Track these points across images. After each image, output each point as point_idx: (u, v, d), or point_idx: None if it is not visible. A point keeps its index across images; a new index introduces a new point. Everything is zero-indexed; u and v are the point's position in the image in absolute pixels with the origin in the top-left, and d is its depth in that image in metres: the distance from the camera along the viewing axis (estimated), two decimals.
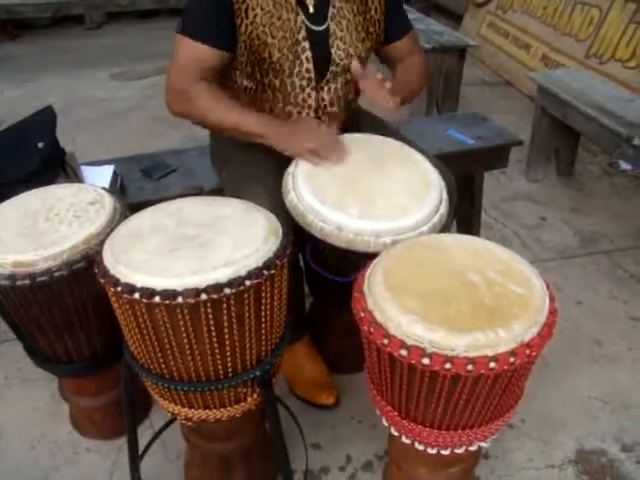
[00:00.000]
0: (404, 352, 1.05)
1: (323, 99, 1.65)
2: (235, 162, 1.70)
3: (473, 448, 1.27)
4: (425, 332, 1.04)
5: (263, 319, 1.19)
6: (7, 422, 1.83)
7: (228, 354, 1.17)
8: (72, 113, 3.88)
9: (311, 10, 1.57)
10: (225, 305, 1.09)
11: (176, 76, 1.55)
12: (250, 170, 1.63)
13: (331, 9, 1.59)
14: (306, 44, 1.57)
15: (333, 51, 1.61)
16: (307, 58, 1.58)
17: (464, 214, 2.34)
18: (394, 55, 1.78)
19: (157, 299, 1.05)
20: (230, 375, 1.21)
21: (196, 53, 1.52)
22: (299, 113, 1.65)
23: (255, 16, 1.52)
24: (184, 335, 1.12)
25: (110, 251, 1.15)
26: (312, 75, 1.60)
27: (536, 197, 3.04)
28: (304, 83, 1.61)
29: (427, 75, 1.86)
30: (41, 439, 1.77)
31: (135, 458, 1.48)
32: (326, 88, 1.64)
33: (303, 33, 1.57)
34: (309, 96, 1.63)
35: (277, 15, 1.53)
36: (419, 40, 1.85)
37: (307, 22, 1.57)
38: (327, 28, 1.59)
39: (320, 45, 1.59)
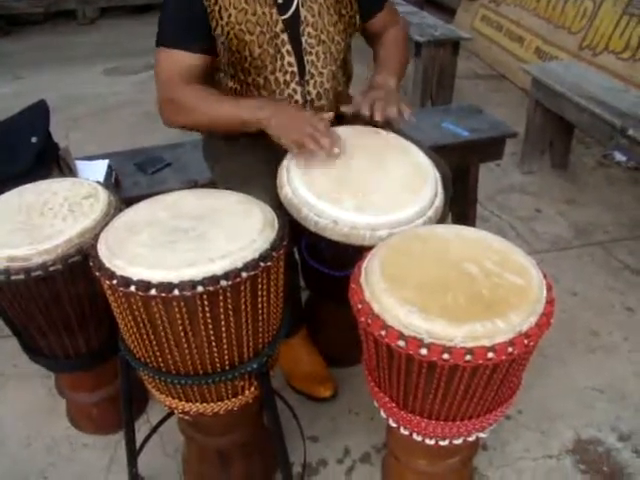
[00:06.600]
0: (402, 343, 1.05)
1: (309, 93, 1.62)
2: (228, 157, 1.69)
3: (471, 439, 1.27)
4: (423, 323, 1.04)
5: (260, 311, 1.19)
6: (3, 419, 1.83)
7: (225, 347, 1.17)
8: (66, 109, 3.85)
9: (280, 0, 1.54)
10: (221, 297, 1.09)
11: (161, 88, 1.54)
12: (243, 164, 1.62)
13: None
14: (285, 36, 1.55)
15: (303, 39, 1.57)
16: (287, 51, 1.56)
17: (459, 206, 2.34)
18: (375, 30, 1.76)
19: (153, 292, 1.04)
20: (227, 368, 1.21)
21: (176, 61, 1.51)
22: None
23: (229, 16, 1.50)
24: (180, 328, 1.11)
25: (105, 244, 1.14)
26: (295, 69, 1.58)
27: (531, 189, 3.04)
28: (288, 78, 1.59)
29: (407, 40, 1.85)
30: (38, 435, 1.77)
31: (132, 453, 1.48)
32: (311, 82, 1.61)
33: (280, 25, 1.54)
34: (295, 92, 1.61)
35: (252, 11, 1.52)
36: (397, 10, 1.83)
37: (279, 13, 1.54)
38: (297, 15, 1.56)
39: (293, 35, 1.57)
